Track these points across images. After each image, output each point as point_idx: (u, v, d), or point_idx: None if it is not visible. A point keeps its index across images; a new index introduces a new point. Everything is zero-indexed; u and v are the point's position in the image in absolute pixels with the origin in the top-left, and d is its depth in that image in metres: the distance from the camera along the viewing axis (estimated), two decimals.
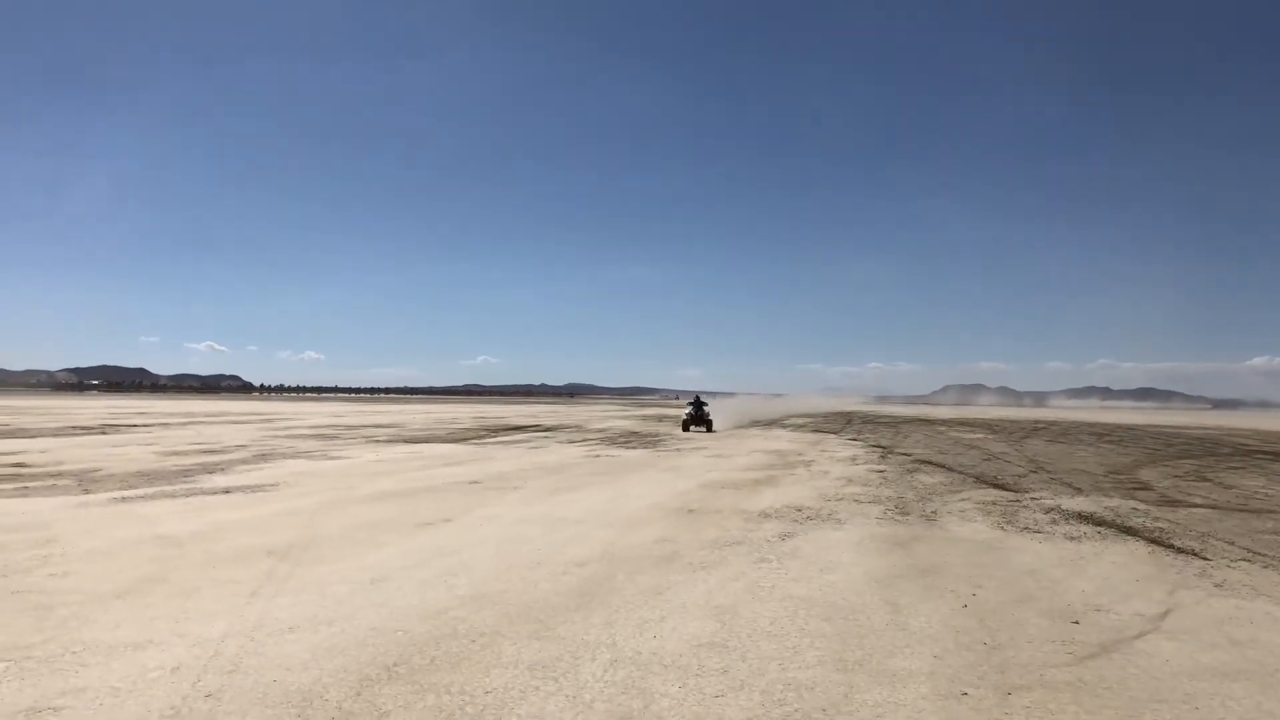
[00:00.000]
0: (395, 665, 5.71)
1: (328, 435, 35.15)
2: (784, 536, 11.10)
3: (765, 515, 12.91)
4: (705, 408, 41.83)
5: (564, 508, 13.62)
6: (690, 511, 13.27)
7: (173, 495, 14.53)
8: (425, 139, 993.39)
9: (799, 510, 13.49)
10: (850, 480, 18.45)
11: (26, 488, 15.39)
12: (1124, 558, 9.99)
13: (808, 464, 22.93)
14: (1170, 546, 10.73)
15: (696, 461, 23.52)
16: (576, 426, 47.80)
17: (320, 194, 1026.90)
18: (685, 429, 41.04)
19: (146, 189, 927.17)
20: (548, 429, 44.10)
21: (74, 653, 5.91)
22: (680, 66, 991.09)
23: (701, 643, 6.33)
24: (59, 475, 17.63)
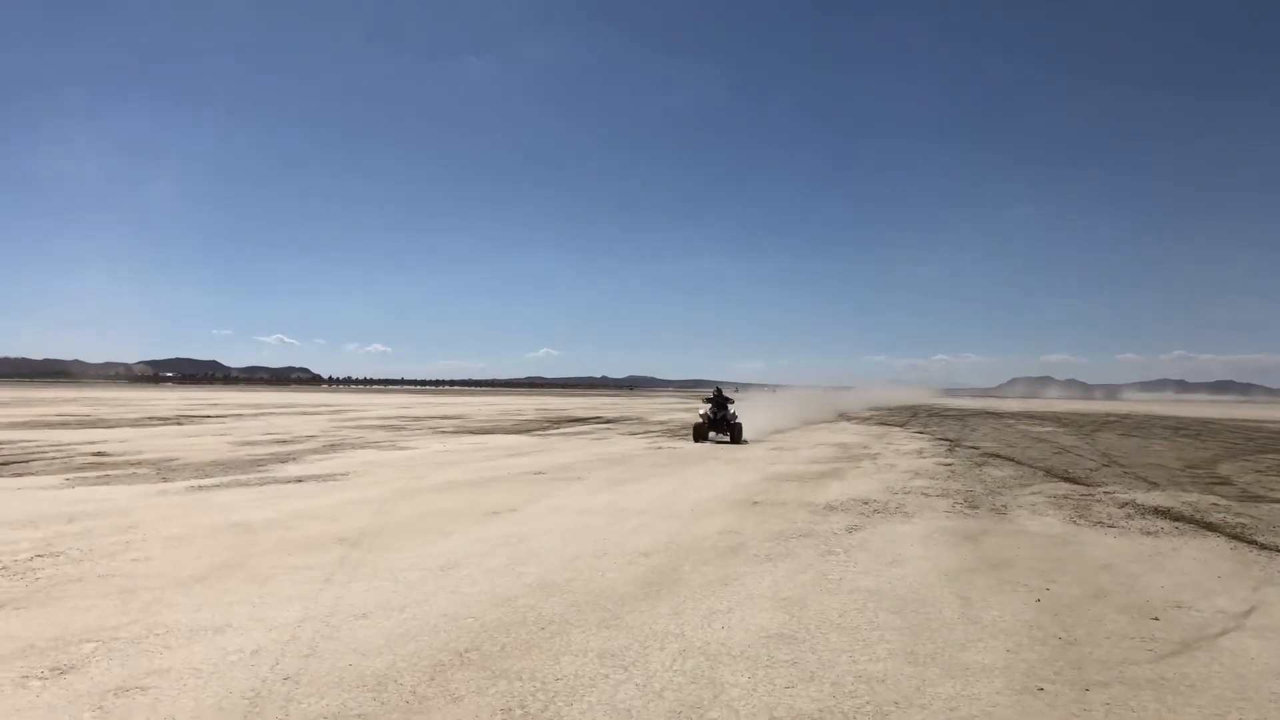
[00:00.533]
0: (467, 651, 5.78)
1: (395, 426, 35.84)
2: (851, 529, 10.98)
3: (831, 508, 12.79)
4: (730, 407, 29.07)
5: (627, 498, 13.67)
6: (754, 503, 13.20)
7: (247, 484, 14.94)
8: (489, 135, 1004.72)
9: (865, 503, 13.33)
10: (917, 473, 18.19)
11: (108, 476, 15.97)
12: (1204, 553, 9.67)
13: (873, 457, 22.67)
14: (1253, 543, 10.36)
15: (759, 453, 23.38)
16: (637, 418, 47.88)
17: (385, 191, 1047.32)
18: (698, 438, 28.30)
19: (217, 187, 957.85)
20: (609, 421, 44.29)
21: (157, 635, 6.10)
22: (743, 57, 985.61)
23: (770, 634, 6.30)
24: (138, 464, 18.27)
